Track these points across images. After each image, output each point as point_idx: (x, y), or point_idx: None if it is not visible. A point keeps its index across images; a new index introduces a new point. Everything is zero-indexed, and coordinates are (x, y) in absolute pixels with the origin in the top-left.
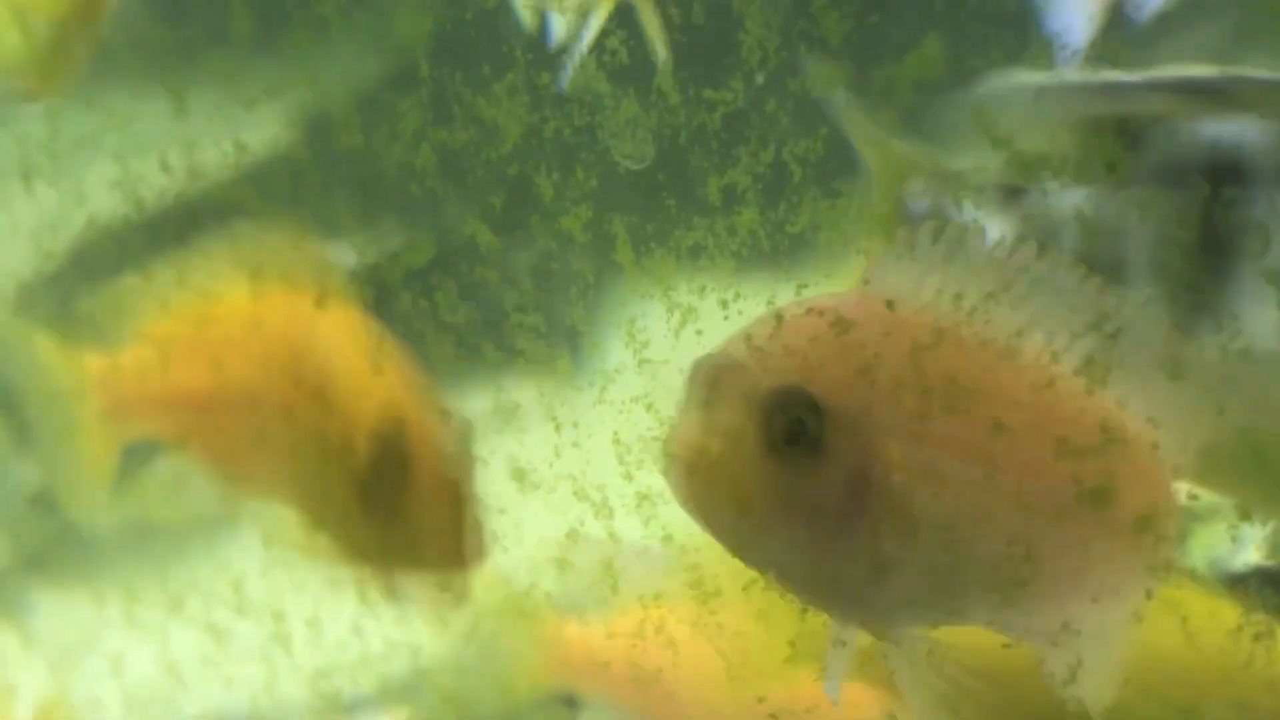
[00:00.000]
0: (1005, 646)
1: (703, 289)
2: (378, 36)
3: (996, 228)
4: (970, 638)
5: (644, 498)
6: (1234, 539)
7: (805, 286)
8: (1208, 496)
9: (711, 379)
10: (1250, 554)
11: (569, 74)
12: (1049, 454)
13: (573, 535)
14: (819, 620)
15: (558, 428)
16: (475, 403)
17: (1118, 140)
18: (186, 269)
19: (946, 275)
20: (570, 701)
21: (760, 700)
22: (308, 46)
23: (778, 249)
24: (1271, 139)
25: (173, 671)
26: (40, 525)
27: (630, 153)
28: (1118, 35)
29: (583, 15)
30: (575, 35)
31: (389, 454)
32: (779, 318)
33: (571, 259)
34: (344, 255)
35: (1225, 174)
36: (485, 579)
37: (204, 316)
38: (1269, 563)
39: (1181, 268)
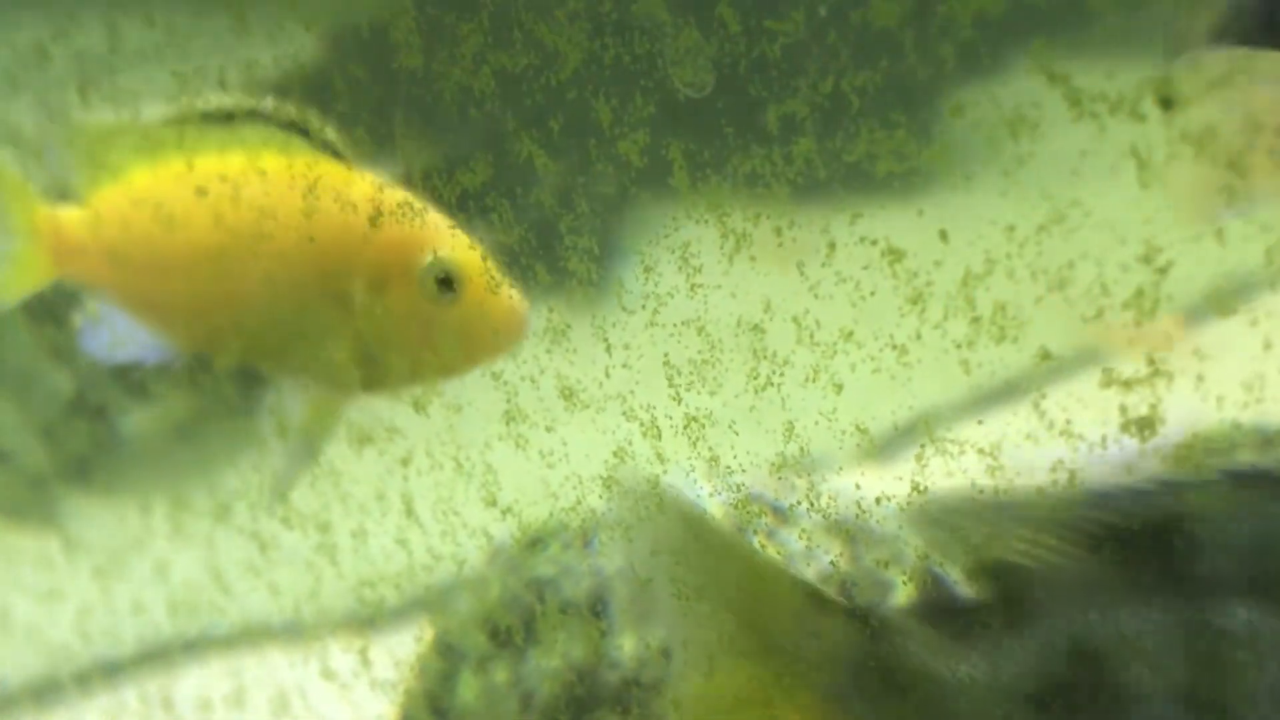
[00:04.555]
0: None
1: (757, 216)
2: None
3: None
4: None
5: (692, 419)
6: None
7: (860, 216)
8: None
9: None
10: None
11: None
12: None
13: (620, 454)
14: None
15: (608, 349)
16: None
17: None
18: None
19: None
20: None
21: None
22: None
23: (833, 178)
24: None
25: (218, 578)
26: (82, 431)
27: (690, 80)
28: None
29: None
30: None
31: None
32: None
33: (627, 183)
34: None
35: None
36: None
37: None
38: None
39: None
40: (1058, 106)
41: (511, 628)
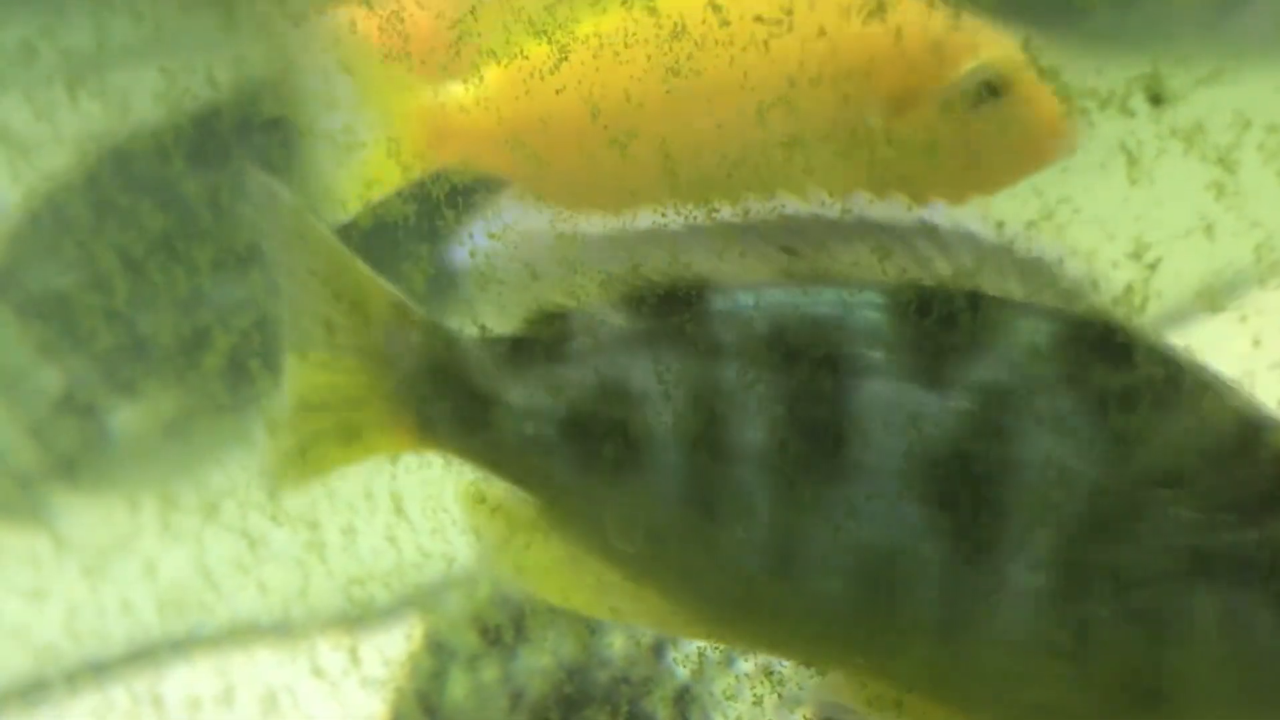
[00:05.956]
0: None
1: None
2: None
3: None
4: None
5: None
6: None
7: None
8: None
9: None
10: None
11: None
12: None
13: None
14: None
15: None
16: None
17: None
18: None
19: None
20: None
21: None
22: None
23: None
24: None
25: (206, 576)
26: (70, 429)
27: None
28: None
29: None
30: None
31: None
32: None
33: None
34: None
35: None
36: None
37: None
38: None
39: None
40: None
41: (501, 626)
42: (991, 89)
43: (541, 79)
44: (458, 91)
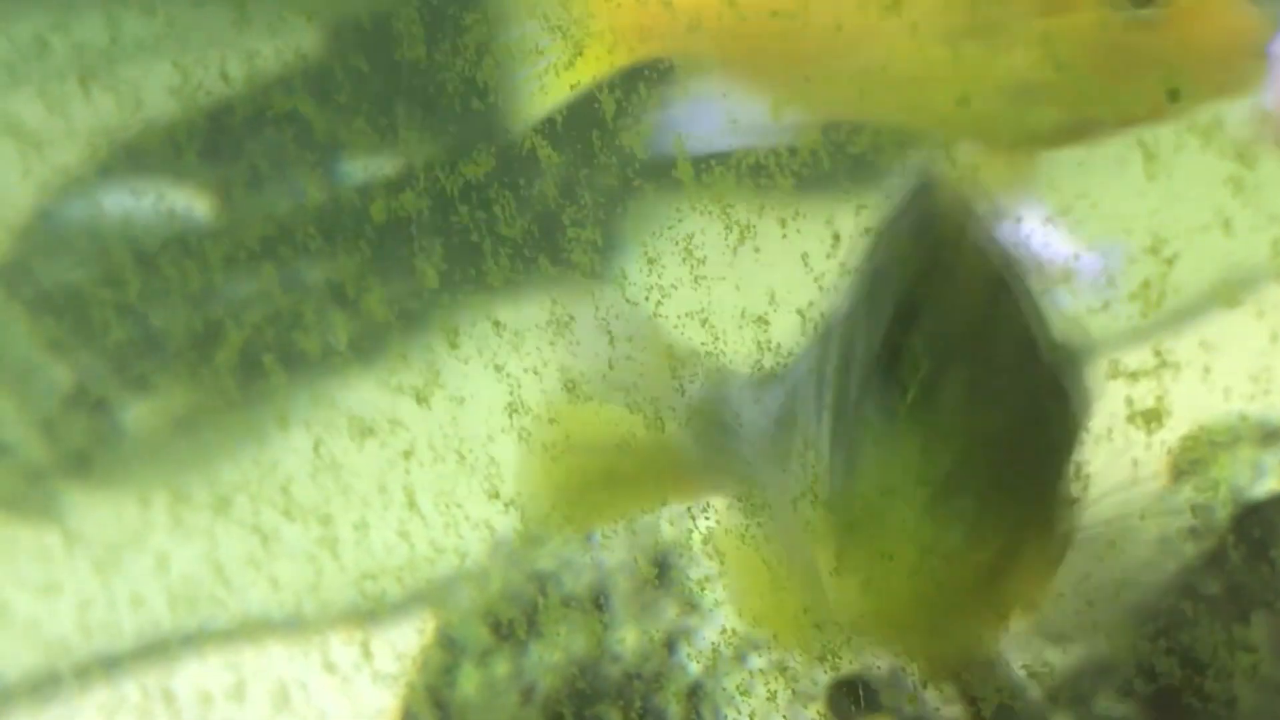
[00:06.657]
0: None
1: (761, 208)
2: None
3: None
4: None
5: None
6: (1255, 466)
7: (864, 207)
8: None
9: None
10: (1271, 482)
11: None
12: None
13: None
14: None
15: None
16: (530, 314)
17: None
18: None
19: None
20: None
21: None
22: None
23: (838, 170)
24: None
25: (218, 571)
26: (82, 424)
27: None
28: None
29: None
30: None
31: None
32: None
33: (630, 175)
34: None
35: None
36: None
37: None
38: None
39: None
40: None
41: (513, 621)
42: None
43: None
44: None
